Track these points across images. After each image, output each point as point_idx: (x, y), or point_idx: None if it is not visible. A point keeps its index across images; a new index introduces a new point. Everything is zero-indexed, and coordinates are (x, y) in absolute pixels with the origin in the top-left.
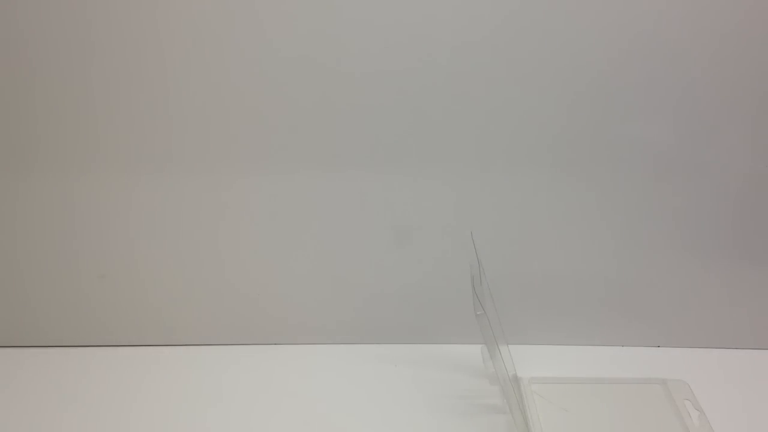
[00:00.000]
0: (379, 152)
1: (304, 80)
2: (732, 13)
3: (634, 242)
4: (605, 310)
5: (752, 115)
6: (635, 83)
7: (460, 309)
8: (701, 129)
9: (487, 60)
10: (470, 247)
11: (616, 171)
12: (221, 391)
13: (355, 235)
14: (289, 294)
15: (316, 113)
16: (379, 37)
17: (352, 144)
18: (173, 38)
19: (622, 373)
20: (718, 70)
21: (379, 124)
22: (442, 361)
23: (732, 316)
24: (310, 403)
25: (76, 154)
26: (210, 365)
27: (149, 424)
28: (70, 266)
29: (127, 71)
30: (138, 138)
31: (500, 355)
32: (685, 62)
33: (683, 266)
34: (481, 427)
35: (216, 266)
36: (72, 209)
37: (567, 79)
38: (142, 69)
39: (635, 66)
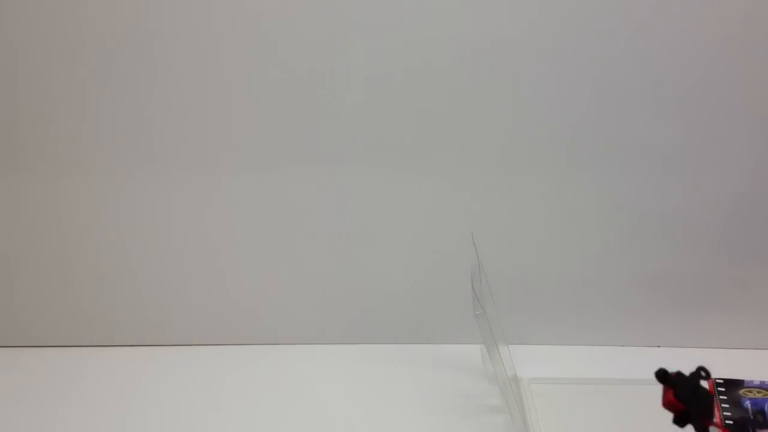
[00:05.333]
0: (381, 152)
1: (306, 79)
2: (737, 13)
3: (634, 242)
4: (605, 310)
5: (757, 115)
6: (637, 83)
7: (460, 309)
8: (703, 129)
9: (490, 59)
10: (471, 247)
11: (617, 171)
12: (221, 392)
13: (356, 235)
14: (289, 294)
15: (317, 113)
16: (381, 35)
17: (353, 144)
18: (172, 39)
19: (622, 373)
20: (721, 69)
21: (381, 124)
22: (442, 361)
23: (733, 316)
24: (309, 403)
25: (76, 154)
26: (210, 365)
27: (149, 425)
28: (70, 266)
29: (126, 71)
30: (138, 138)
31: (499, 356)
32: (688, 61)
33: (684, 266)
34: (481, 427)
35: (216, 266)
36: (72, 210)
37: (569, 78)
38: (141, 69)
39: (637, 66)
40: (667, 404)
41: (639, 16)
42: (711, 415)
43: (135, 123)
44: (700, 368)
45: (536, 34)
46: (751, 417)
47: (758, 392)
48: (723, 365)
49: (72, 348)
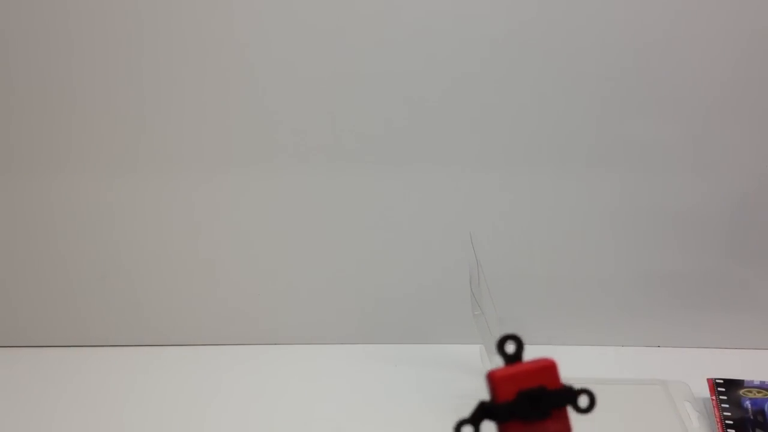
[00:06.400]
0: (379, 151)
1: (305, 78)
2: (736, 14)
3: (634, 242)
4: (605, 310)
5: (758, 115)
6: (637, 83)
7: (461, 309)
8: (704, 129)
9: (489, 59)
10: (470, 246)
11: (617, 171)
12: (221, 392)
13: (355, 234)
14: (289, 294)
15: (316, 112)
16: (380, 32)
17: (352, 143)
18: (170, 38)
19: (622, 374)
20: (723, 69)
21: (380, 123)
22: (442, 361)
23: (733, 316)
24: (310, 403)
25: (76, 154)
26: (210, 365)
27: (149, 425)
28: (70, 266)
29: (126, 71)
30: (138, 138)
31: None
32: (690, 61)
33: (684, 266)
34: (481, 426)
35: (216, 266)
36: (72, 209)
37: (569, 78)
38: (140, 68)
39: (637, 66)
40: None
41: (641, 16)
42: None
43: (135, 123)
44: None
45: (537, 34)
46: (751, 417)
47: (758, 392)
48: (723, 365)
49: (72, 348)
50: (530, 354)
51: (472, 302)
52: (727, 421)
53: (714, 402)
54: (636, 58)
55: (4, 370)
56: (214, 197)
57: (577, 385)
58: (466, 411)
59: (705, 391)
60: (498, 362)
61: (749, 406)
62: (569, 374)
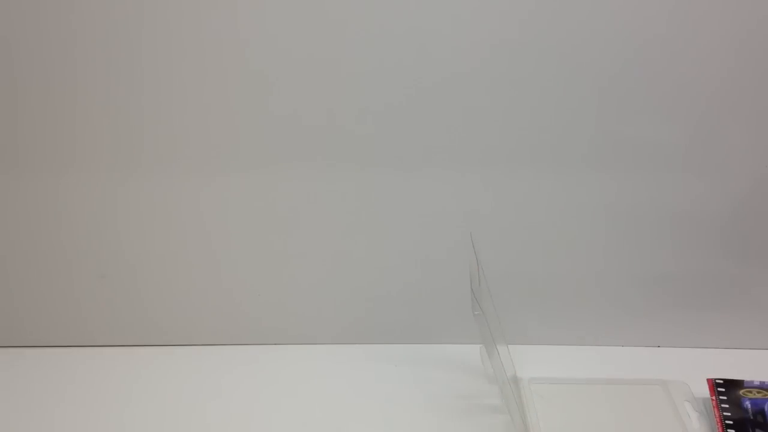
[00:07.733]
0: (380, 151)
1: (306, 78)
2: (735, 13)
3: (634, 242)
4: (605, 310)
5: (758, 116)
6: (637, 84)
7: (460, 309)
8: (704, 129)
9: (489, 59)
10: (470, 246)
11: (617, 171)
12: (221, 392)
13: (356, 234)
14: (289, 294)
15: (317, 112)
16: (382, 33)
17: (352, 143)
18: (172, 38)
19: (622, 374)
20: (722, 69)
21: (380, 124)
22: (442, 361)
23: (733, 316)
24: (309, 403)
25: (76, 153)
26: (210, 365)
27: (149, 425)
28: (70, 266)
29: (126, 70)
30: (139, 137)
31: (498, 356)
32: (689, 61)
33: (684, 266)
34: (481, 427)
35: (216, 266)
36: (72, 209)
37: (569, 78)
38: (141, 67)
39: (637, 66)
40: None
41: (640, 16)
42: None
43: (135, 122)
44: None
45: (539, 34)
46: (751, 417)
47: (758, 392)
48: (723, 365)
49: (72, 348)
50: (528, 354)
51: (473, 302)
52: (727, 421)
53: (714, 402)
54: (634, 57)
55: (4, 370)
56: (214, 198)
57: None
58: (466, 411)
59: (705, 391)
60: (496, 363)
61: (749, 406)
62: (570, 374)
